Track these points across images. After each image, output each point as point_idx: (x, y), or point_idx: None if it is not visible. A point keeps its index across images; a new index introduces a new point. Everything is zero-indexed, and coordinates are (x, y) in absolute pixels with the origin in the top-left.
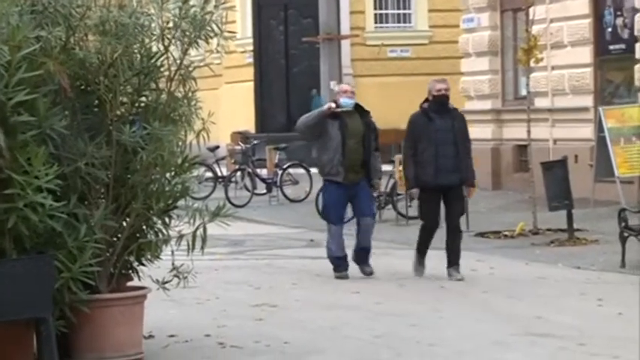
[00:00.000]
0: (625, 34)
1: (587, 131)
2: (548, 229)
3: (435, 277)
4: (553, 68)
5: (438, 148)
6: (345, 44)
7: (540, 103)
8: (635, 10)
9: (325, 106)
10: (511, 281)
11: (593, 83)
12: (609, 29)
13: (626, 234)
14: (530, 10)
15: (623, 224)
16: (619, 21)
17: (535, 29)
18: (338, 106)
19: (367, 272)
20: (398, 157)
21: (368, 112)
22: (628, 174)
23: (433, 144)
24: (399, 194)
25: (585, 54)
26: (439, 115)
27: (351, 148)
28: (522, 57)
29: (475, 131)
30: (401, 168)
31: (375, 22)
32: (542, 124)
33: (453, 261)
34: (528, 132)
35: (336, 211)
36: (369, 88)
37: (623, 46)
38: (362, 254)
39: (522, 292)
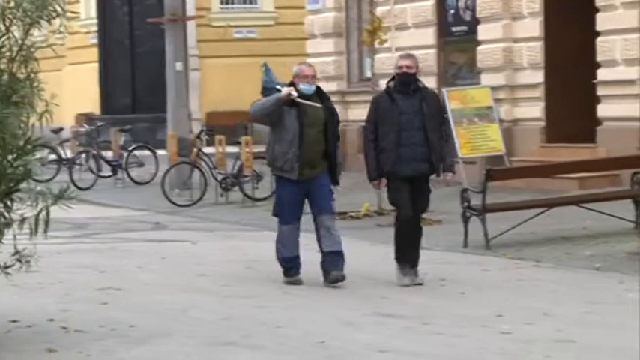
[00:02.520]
0: (467, 17)
1: None
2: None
3: None
4: (397, 50)
5: (401, 134)
6: (191, 25)
7: (384, 84)
8: None
9: (284, 92)
10: (358, 261)
11: (436, 65)
12: (452, 11)
13: (468, 214)
14: None
15: (465, 204)
16: (461, 3)
17: (379, 11)
18: (297, 91)
19: (338, 278)
20: (244, 139)
21: (329, 97)
22: (470, 155)
23: (395, 129)
24: (245, 176)
25: (428, 36)
26: (404, 96)
27: (311, 139)
28: (367, 39)
29: None
30: (247, 149)
31: (221, 3)
32: None
33: (412, 262)
34: None
35: (290, 210)
36: (215, 69)
37: (465, 28)
38: (332, 258)
39: (370, 271)
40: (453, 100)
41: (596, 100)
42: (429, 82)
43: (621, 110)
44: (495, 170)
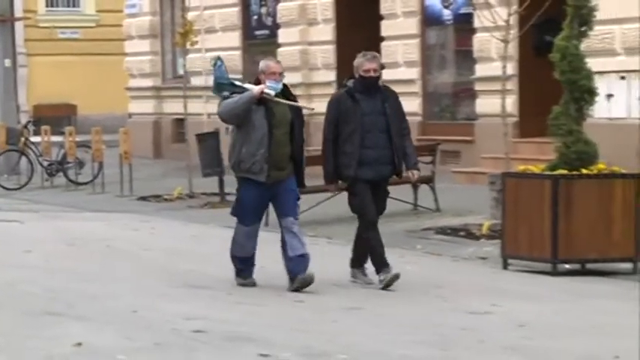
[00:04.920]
0: (269, 22)
1: None
2: (203, 193)
3: (104, 239)
4: (207, 50)
5: (364, 136)
6: (19, 25)
7: (196, 81)
8: (276, 1)
9: (257, 89)
10: (170, 239)
11: (241, 64)
12: (255, 17)
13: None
14: None
15: None
16: (263, 10)
17: (190, 15)
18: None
19: (307, 280)
20: (68, 129)
21: (295, 97)
22: None
23: (359, 131)
24: (68, 162)
25: (234, 38)
26: (366, 97)
27: (277, 140)
28: (179, 40)
29: (138, 106)
30: (71, 138)
31: (47, 6)
32: (198, 100)
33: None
34: (185, 107)
35: (253, 212)
36: (43, 67)
37: (267, 32)
38: (298, 262)
39: (181, 249)
40: None
41: None
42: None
43: (405, 106)
44: None
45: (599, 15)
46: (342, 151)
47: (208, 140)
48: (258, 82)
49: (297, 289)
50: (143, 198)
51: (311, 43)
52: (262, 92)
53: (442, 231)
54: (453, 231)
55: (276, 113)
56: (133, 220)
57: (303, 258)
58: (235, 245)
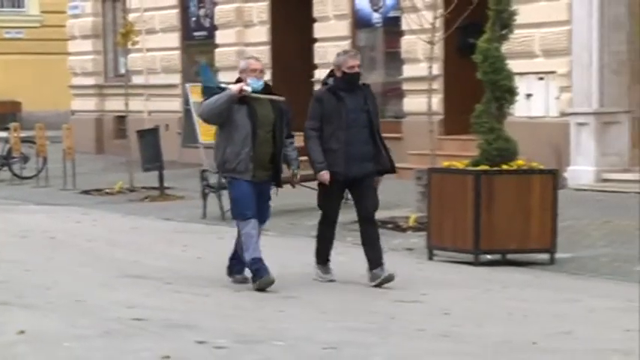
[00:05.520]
0: (207, 23)
1: (176, 104)
2: (143, 187)
3: (48, 230)
4: (147, 50)
5: (349, 132)
6: None
7: (137, 80)
8: (214, 3)
9: (235, 88)
10: (111, 231)
11: (180, 64)
12: (194, 18)
13: (206, 191)
14: (127, 0)
15: (204, 183)
16: (202, 12)
17: (131, 16)
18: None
19: (271, 281)
20: (13, 125)
21: (276, 94)
22: (209, 140)
23: (344, 128)
24: (13, 157)
25: (174, 39)
26: (349, 94)
27: (261, 140)
28: (120, 40)
29: (81, 104)
30: (16, 134)
31: None
32: (139, 98)
33: (376, 261)
34: (126, 104)
35: (250, 202)
36: None
37: (205, 33)
38: (260, 265)
39: (121, 240)
40: (195, 94)
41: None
42: (174, 78)
43: None
44: None
45: (519, 19)
46: (328, 148)
47: (148, 136)
48: (240, 82)
49: (265, 288)
50: (86, 191)
51: (247, 44)
52: (242, 90)
53: None
54: (382, 223)
55: (258, 113)
56: (75, 212)
57: (260, 260)
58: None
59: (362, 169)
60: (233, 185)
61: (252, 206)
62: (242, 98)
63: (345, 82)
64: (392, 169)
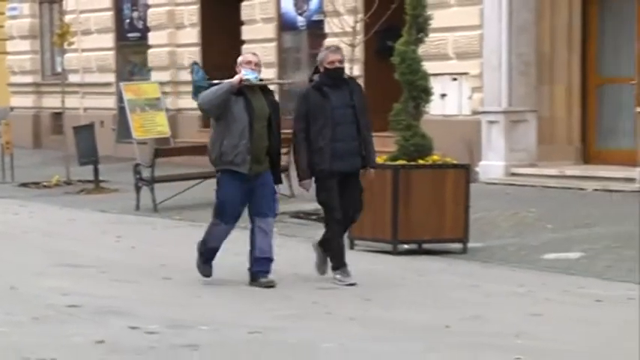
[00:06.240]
0: (140, 25)
1: (111, 102)
2: (79, 181)
3: None
4: (83, 50)
5: (336, 129)
6: None
7: (73, 78)
8: (147, 6)
9: (235, 79)
10: (49, 223)
11: (114, 63)
12: (127, 20)
13: (140, 184)
14: (64, 2)
15: (138, 176)
16: (135, 14)
17: (67, 18)
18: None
19: (270, 284)
20: None
21: (272, 92)
22: (142, 136)
23: (330, 124)
24: None
25: (108, 40)
26: (334, 90)
27: (258, 133)
28: (57, 40)
29: (19, 101)
30: None
31: None
32: (75, 96)
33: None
34: (63, 102)
35: (233, 208)
36: None
37: (138, 34)
38: (262, 264)
39: (58, 231)
40: (129, 92)
41: None
42: (109, 77)
43: None
44: (162, 149)
45: (434, 23)
46: (315, 146)
47: (84, 132)
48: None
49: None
50: (23, 184)
51: (178, 45)
52: (241, 80)
53: (296, 215)
54: (306, 215)
55: (255, 106)
56: (13, 204)
57: (267, 261)
58: (211, 236)
59: (350, 165)
60: (225, 182)
61: (235, 214)
62: (239, 90)
63: (328, 78)
64: (372, 165)
